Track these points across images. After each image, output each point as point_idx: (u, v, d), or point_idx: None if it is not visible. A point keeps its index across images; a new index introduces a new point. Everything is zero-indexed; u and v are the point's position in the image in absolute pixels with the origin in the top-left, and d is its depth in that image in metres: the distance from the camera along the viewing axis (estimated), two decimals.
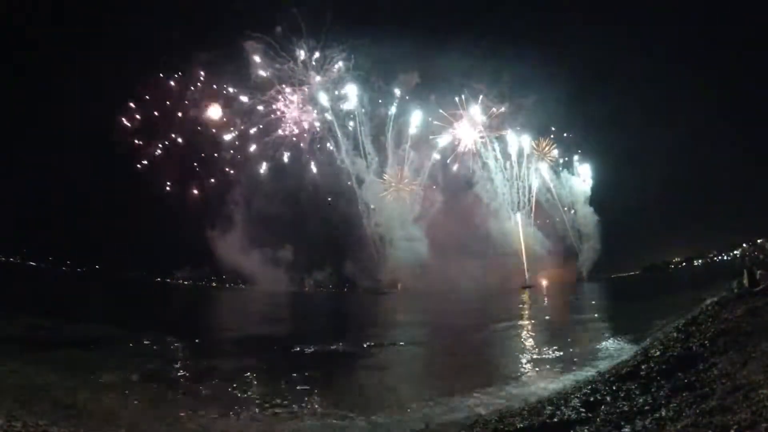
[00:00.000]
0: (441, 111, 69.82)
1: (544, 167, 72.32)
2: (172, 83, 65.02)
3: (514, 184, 71.19)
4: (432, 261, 67.86)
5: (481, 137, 71.36)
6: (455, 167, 71.34)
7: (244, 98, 66.83)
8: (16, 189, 55.33)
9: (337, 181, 68.68)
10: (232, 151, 67.47)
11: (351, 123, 68.66)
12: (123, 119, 62.61)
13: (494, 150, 71.32)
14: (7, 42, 55.00)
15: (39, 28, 57.63)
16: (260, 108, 67.16)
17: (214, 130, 66.66)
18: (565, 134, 72.42)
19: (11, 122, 57.82)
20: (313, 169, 68.16)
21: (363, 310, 42.47)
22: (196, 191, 66.33)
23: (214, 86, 66.04)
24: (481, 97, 70.14)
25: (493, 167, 70.95)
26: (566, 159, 73.63)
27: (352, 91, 67.94)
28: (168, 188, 64.79)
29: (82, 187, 59.10)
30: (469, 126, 71.14)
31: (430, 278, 66.17)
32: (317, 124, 68.57)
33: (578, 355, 15.58)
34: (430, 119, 69.80)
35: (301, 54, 66.36)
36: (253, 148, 67.82)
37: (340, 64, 67.01)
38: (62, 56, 59.81)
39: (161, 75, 64.31)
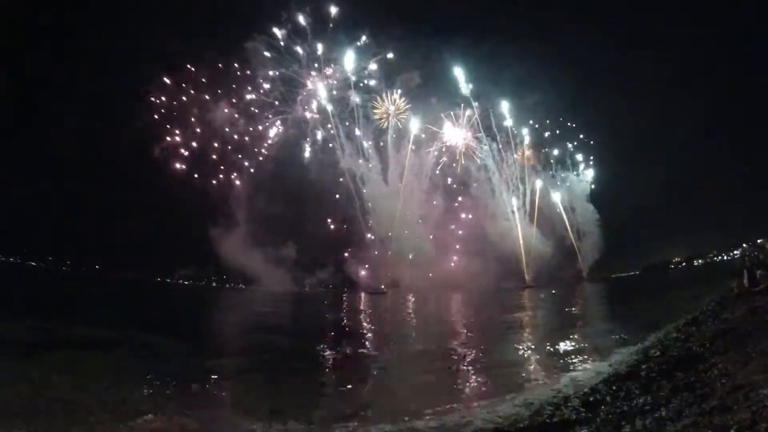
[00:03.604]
0: (441, 112, 69.89)
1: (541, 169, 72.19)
2: (176, 85, 65.34)
3: (512, 184, 71.08)
4: (432, 261, 67.93)
5: (480, 138, 71.37)
6: (454, 168, 71.40)
7: (247, 98, 67.14)
8: (15, 189, 55.34)
9: (339, 181, 68.87)
10: (235, 151, 67.77)
11: (352, 124, 68.95)
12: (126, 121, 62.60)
13: (492, 151, 71.25)
14: (8, 39, 54.93)
15: (39, 27, 57.71)
16: (263, 108, 67.51)
17: (216, 129, 66.94)
18: (565, 133, 72.30)
19: (11, 122, 57.83)
20: (315, 168, 68.32)
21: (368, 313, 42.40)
22: (197, 191, 66.37)
23: (219, 87, 66.31)
24: (480, 98, 70.23)
25: (491, 167, 70.91)
26: (566, 157, 73.57)
27: (353, 93, 68.16)
28: (169, 188, 64.81)
29: (83, 186, 59.13)
30: (467, 127, 71.19)
31: (431, 278, 66.26)
32: (319, 124, 68.89)
33: None
34: (429, 121, 69.88)
35: (305, 55, 66.68)
36: (256, 148, 68.16)
37: (343, 65, 67.35)
38: (63, 56, 59.97)
39: (165, 77, 64.59)
